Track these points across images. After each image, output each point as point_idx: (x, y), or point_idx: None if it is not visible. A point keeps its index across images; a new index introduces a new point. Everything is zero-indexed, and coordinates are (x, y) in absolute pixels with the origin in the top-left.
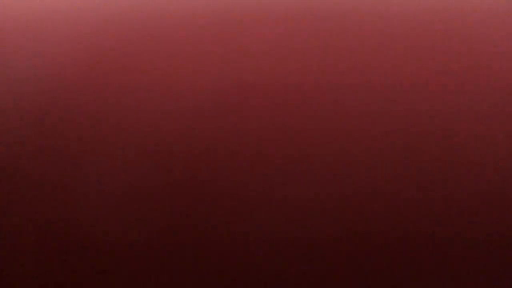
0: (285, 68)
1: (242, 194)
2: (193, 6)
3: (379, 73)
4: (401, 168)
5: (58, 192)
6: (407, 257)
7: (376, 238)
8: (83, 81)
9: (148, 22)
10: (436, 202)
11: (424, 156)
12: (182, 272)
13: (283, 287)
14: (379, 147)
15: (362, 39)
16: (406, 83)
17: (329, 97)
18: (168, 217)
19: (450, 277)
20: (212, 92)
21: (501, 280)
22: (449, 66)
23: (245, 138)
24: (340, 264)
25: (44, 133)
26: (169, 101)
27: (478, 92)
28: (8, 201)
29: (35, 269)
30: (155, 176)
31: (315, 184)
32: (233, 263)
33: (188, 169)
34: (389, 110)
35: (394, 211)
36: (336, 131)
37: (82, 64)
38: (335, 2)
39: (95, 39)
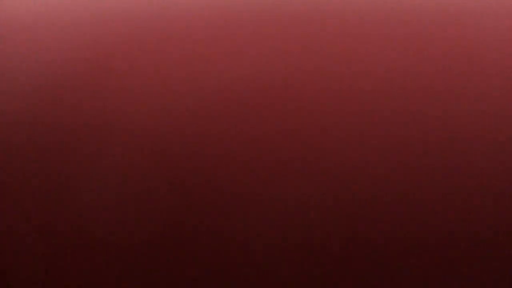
0: (285, 68)
1: (241, 195)
2: (192, 7)
3: (379, 74)
4: (400, 169)
5: (58, 192)
6: (406, 258)
7: (376, 240)
8: (82, 81)
9: (148, 22)
10: (435, 203)
11: (424, 157)
12: (182, 272)
13: (282, 287)
14: (379, 147)
15: (362, 40)
16: (406, 84)
17: (329, 97)
18: (167, 217)
19: (450, 278)
20: (212, 92)
21: (502, 280)
22: (449, 66)
23: (244, 138)
24: (339, 265)
25: (44, 133)
26: (169, 101)
27: (478, 92)
28: (8, 201)
29: (35, 269)
30: (154, 176)
31: (314, 184)
32: (232, 263)
33: (187, 169)
34: (388, 111)
35: (393, 212)
36: (335, 132)
37: (82, 64)
38: (335, 3)
39: (95, 39)
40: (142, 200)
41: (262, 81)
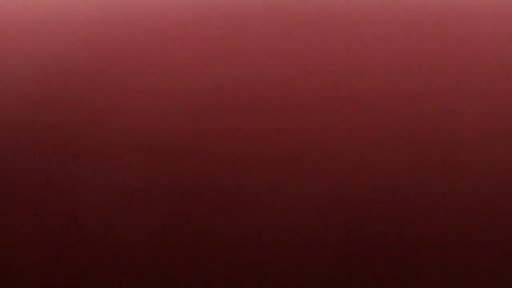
0: (284, 69)
1: (241, 195)
2: (192, 7)
3: (378, 75)
4: (400, 170)
5: (58, 192)
6: (405, 259)
7: (375, 240)
8: (82, 82)
9: (148, 23)
10: (435, 204)
11: (423, 158)
12: (182, 273)
13: (281, 287)
14: (379, 148)
15: (361, 40)
16: (406, 84)
17: (328, 98)
18: (167, 218)
19: (450, 279)
20: (211, 93)
21: (501, 280)
22: (449, 67)
23: (243, 139)
24: (338, 265)
25: (44, 133)
26: (169, 102)
27: (478, 93)
28: (8, 201)
29: (35, 269)
30: (154, 176)
31: (314, 185)
32: (232, 263)
33: (186, 169)
34: (388, 111)
35: (393, 213)
36: (335, 132)
37: (81, 65)
38: (335, 3)
39: (95, 40)
40: (142, 201)
41: (261, 82)
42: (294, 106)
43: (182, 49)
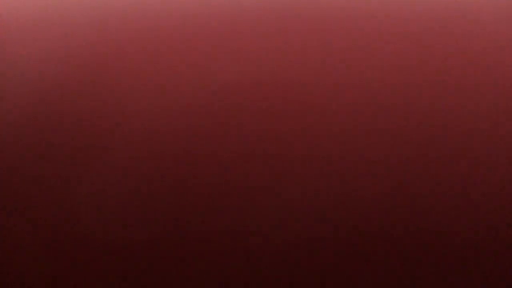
0: (284, 68)
1: (241, 195)
2: (192, 6)
3: (378, 74)
4: (400, 169)
5: (58, 192)
6: (405, 258)
7: (375, 239)
8: (82, 81)
9: (148, 22)
10: (435, 203)
11: (423, 157)
12: (182, 272)
13: (281, 287)
14: (379, 147)
15: (361, 39)
16: (405, 84)
17: (329, 97)
18: (167, 217)
19: (449, 278)
20: (211, 92)
21: (501, 280)
22: (449, 65)
23: (244, 138)
24: (338, 265)
25: (44, 133)
26: (169, 101)
27: (477, 92)
28: (8, 201)
29: (35, 269)
30: (154, 176)
31: (314, 184)
32: (232, 263)
33: (187, 169)
34: (388, 110)
35: (392, 212)
36: (335, 131)
37: (81, 64)
38: (335, 2)
39: (95, 39)
40: (143, 200)
41: (262, 82)
42: (295, 106)
43: (182, 49)
